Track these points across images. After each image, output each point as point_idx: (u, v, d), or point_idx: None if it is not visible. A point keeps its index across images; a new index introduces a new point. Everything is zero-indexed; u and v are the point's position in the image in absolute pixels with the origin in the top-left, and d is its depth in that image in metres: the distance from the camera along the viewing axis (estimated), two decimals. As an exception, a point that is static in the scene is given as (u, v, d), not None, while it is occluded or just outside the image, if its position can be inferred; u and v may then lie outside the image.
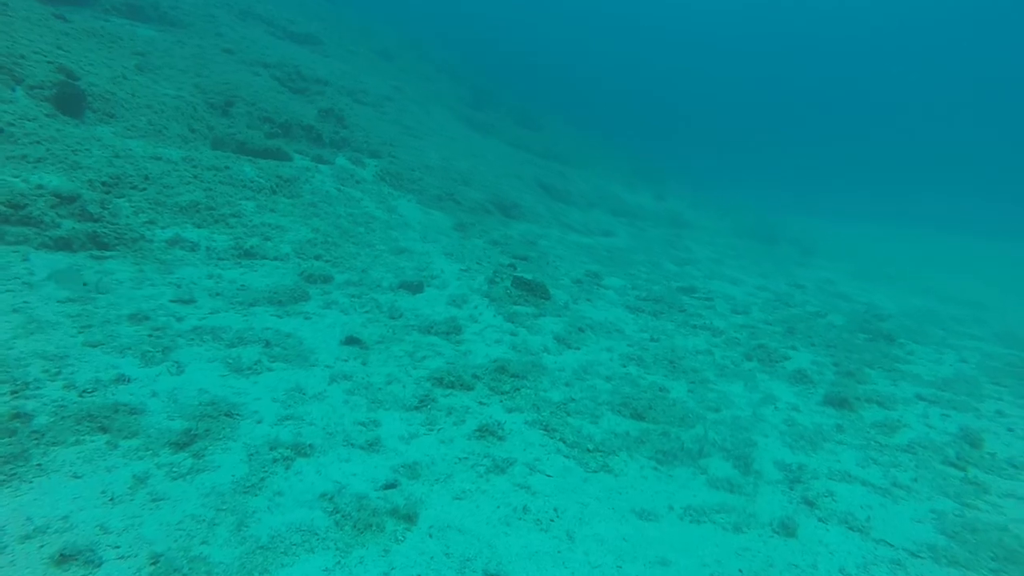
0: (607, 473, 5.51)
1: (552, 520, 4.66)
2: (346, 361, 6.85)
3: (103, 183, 9.30)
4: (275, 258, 9.62)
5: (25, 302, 6.82)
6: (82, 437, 4.70)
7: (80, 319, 6.67)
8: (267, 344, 6.78)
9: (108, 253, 8.37)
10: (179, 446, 4.77)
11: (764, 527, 4.98)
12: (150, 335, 6.62)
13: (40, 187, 8.50)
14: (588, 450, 5.79)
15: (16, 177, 8.51)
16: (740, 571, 4.38)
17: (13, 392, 5.13)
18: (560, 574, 4.05)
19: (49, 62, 11.45)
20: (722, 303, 12.63)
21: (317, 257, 10.06)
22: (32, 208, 8.20)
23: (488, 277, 11.02)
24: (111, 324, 6.70)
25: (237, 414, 5.35)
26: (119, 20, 16.57)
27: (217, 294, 8.04)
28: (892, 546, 4.99)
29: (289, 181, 12.12)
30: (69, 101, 10.91)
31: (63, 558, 3.52)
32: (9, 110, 9.78)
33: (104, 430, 4.82)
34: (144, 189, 9.70)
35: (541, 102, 41.91)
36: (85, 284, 7.34)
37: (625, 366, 8.19)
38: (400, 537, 4.18)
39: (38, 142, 9.52)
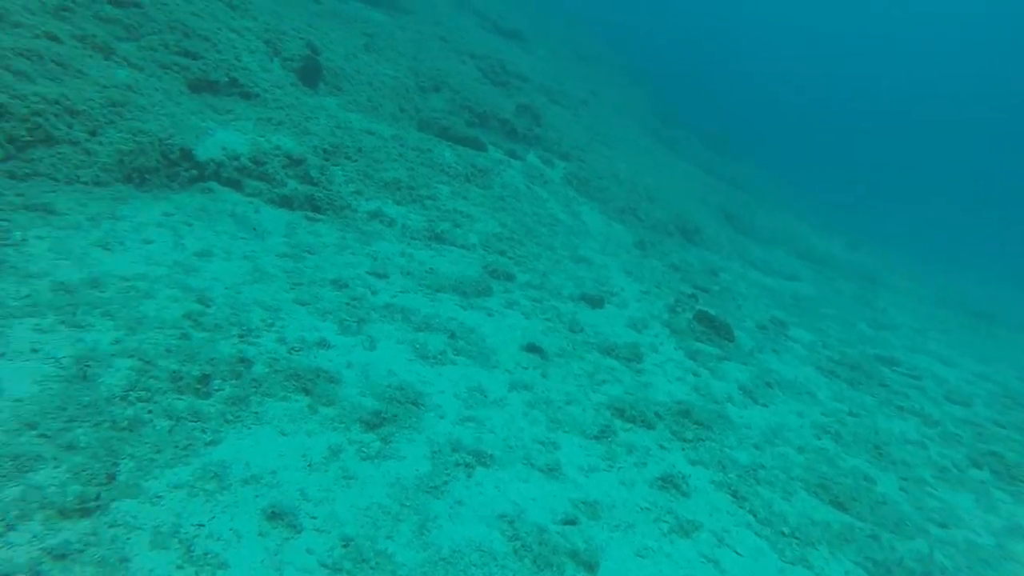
0: (806, 569, 4.73)
1: (745, 613, 4.03)
2: (526, 369, 6.63)
3: (324, 150, 9.97)
4: (463, 246, 9.74)
5: (252, 251, 7.40)
6: (289, 395, 4.87)
7: (292, 276, 7.10)
8: (452, 335, 6.75)
9: (319, 216, 8.92)
10: (369, 426, 4.78)
11: None
12: (348, 303, 6.86)
13: (277, 148, 9.27)
14: (783, 533, 5.03)
15: (261, 137, 9.35)
16: None
17: (240, 336, 5.49)
18: None
19: (300, 38, 12.60)
20: (933, 385, 10.87)
21: (501, 252, 10.05)
22: (268, 166, 8.95)
23: (668, 304, 10.37)
24: (316, 286, 7.05)
25: (422, 404, 5.30)
26: (356, 3, 18.01)
27: (408, 273, 8.23)
28: None
29: (483, 171, 12.31)
30: (309, 73, 11.90)
31: (273, 515, 3.57)
32: (267, 78, 10.84)
33: (307, 392, 4.96)
34: (356, 160, 10.28)
35: (732, 124, 39.80)
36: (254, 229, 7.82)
37: (819, 438, 7.19)
38: (579, 586, 3.81)
39: (281, 107, 10.44)
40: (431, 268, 8.62)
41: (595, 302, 9.33)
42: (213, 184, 8.51)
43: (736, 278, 14.78)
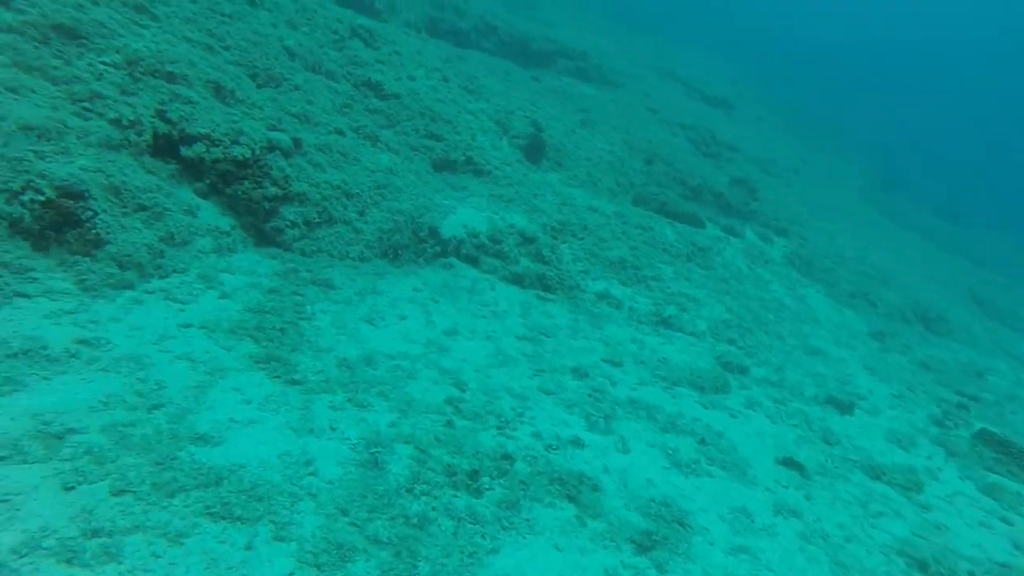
0: None
1: None
2: (786, 488, 5.86)
3: (552, 228, 10.16)
4: (691, 333, 9.21)
5: (494, 331, 7.58)
6: (555, 501, 4.68)
7: (533, 361, 7.10)
8: (702, 441, 6.21)
9: (550, 296, 8.99)
10: (641, 548, 4.40)
11: None
12: (590, 395, 6.66)
13: (512, 226, 9.61)
14: None
15: (496, 215, 9.79)
16: None
17: (498, 428, 5.49)
18: None
19: (525, 116, 13.30)
20: None
21: (731, 342, 9.34)
22: (504, 244, 9.29)
23: (932, 416, 8.82)
24: (557, 373, 6.97)
25: (688, 524, 4.81)
26: (569, 79, 18.82)
27: (641, 362, 7.89)
28: None
29: (703, 250, 11.76)
30: (534, 150, 12.42)
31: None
32: (497, 156, 11.49)
33: (571, 499, 4.73)
34: (582, 239, 10.32)
35: (962, 186, 34.85)
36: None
37: None
38: None
39: (511, 184, 10.93)
40: (664, 357, 8.19)
41: (843, 407, 8.20)
42: (453, 260, 8.99)
43: (1011, 384, 12.34)
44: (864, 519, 5.70)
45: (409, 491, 4.33)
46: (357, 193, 8.42)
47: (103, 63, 7.52)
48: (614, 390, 6.93)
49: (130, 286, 5.94)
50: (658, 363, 8.00)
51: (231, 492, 3.82)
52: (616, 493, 4.98)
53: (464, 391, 5.98)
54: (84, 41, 7.40)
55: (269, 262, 7.38)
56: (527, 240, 9.53)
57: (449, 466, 4.70)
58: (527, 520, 4.37)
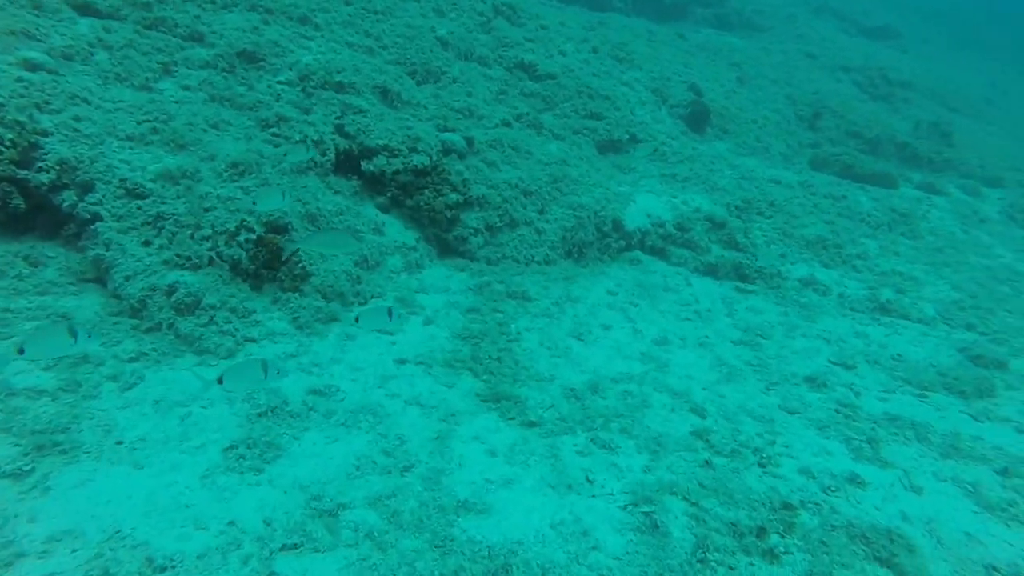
0: None
1: None
2: None
3: (736, 207, 9.11)
4: (918, 320, 7.93)
5: (706, 336, 6.82)
6: (866, 566, 3.93)
7: (759, 371, 6.27)
8: (1005, 472, 5.16)
9: (750, 287, 8.04)
10: (997, 636, 3.56)
11: None
12: (837, 411, 5.76)
13: (697, 210, 8.69)
14: None
15: (675, 198, 8.90)
16: None
17: (760, 464, 4.79)
18: None
19: (682, 81, 12.11)
20: None
21: (969, 327, 7.97)
22: (692, 232, 8.40)
23: None
24: (790, 384, 6.11)
25: (1037, 597, 3.89)
26: (708, 30, 17.14)
27: (875, 362, 6.82)
28: None
29: (904, 216, 10.20)
30: (696, 118, 11.28)
31: None
32: (660, 129, 10.51)
33: (887, 564, 3.96)
34: (771, 217, 9.20)
35: None
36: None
37: None
38: None
39: (681, 160, 9.94)
40: (897, 354, 7.06)
41: None
42: (639, 253, 8.25)
43: None
44: None
45: (702, 562, 3.74)
46: (535, 190, 7.86)
47: (279, 83, 7.37)
48: (860, 401, 5.97)
49: (336, 318, 5.76)
50: (893, 362, 6.90)
51: (524, 583, 3.41)
52: (935, 555, 4.14)
53: (705, 418, 5.31)
54: (262, 63, 7.26)
55: (459, 275, 7.03)
56: (716, 225, 8.59)
57: (732, 524, 4.07)
58: (851, 599, 3.66)
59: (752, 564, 3.81)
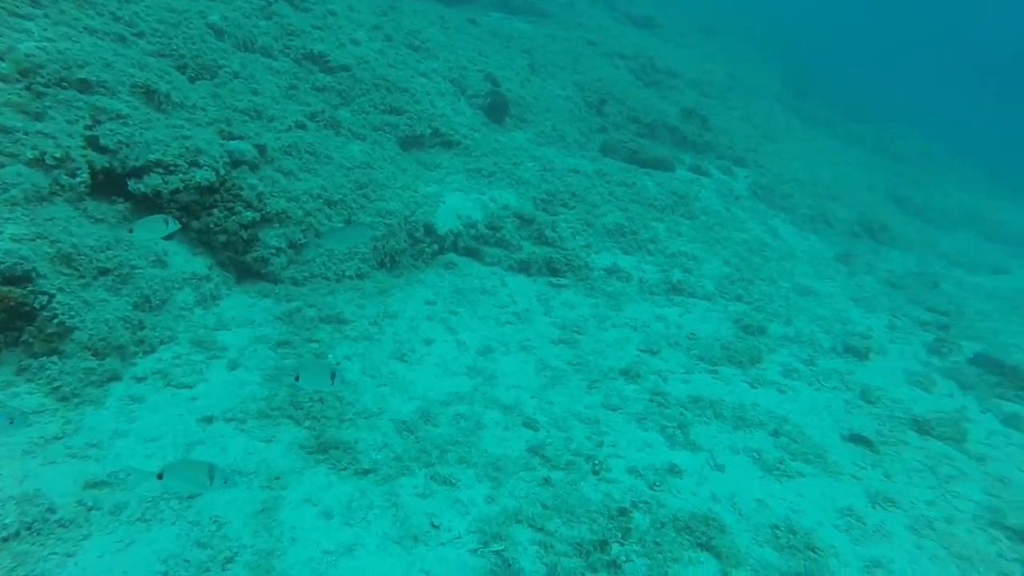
0: None
1: None
2: (865, 469, 5.85)
3: (542, 200, 9.45)
4: (703, 297, 8.99)
5: (528, 340, 6.98)
6: (692, 555, 4.34)
7: (581, 370, 6.61)
8: (775, 433, 6.06)
9: (561, 280, 8.42)
10: (794, 595, 4.19)
11: None
12: (651, 400, 6.31)
13: (505, 207, 8.82)
14: None
15: (483, 195, 8.94)
16: None
17: (593, 471, 5.03)
18: None
19: (479, 71, 12.12)
20: None
21: (738, 298, 9.23)
22: (503, 231, 8.52)
23: (927, 345, 9.22)
24: (608, 379, 6.53)
25: (817, 548, 4.65)
26: (496, 14, 17.34)
27: (675, 344, 7.59)
28: None
29: (682, 198, 11.44)
30: (496, 109, 11.40)
31: None
32: (462, 122, 10.42)
33: (706, 548, 4.42)
34: (573, 207, 9.69)
35: (865, 86, 36.42)
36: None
37: None
38: None
39: (484, 154, 9.99)
40: (691, 333, 7.94)
41: (860, 354, 8.36)
42: (452, 256, 8.18)
43: (956, 287, 13.19)
44: (943, 489, 5.82)
45: (557, 592, 3.84)
46: (340, 199, 7.33)
47: (-6, 81, 5.84)
48: (667, 386, 6.61)
49: (116, 377, 4.86)
50: (687, 341, 7.74)
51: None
52: (739, 527, 4.72)
53: (537, 430, 5.45)
54: (-36, 56, 5.68)
55: (263, 303, 6.34)
56: (525, 221, 8.81)
57: (577, 544, 4.23)
58: (683, 594, 4.02)
59: (599, 581, 4.00)
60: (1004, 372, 8.37)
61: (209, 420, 4.69)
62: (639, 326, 7.83)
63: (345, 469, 4.53)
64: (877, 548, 4.83)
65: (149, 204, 6.01)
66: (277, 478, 4.32)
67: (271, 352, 5.63)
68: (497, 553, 4.04)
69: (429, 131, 9.86)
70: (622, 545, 4.30)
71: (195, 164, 6.21)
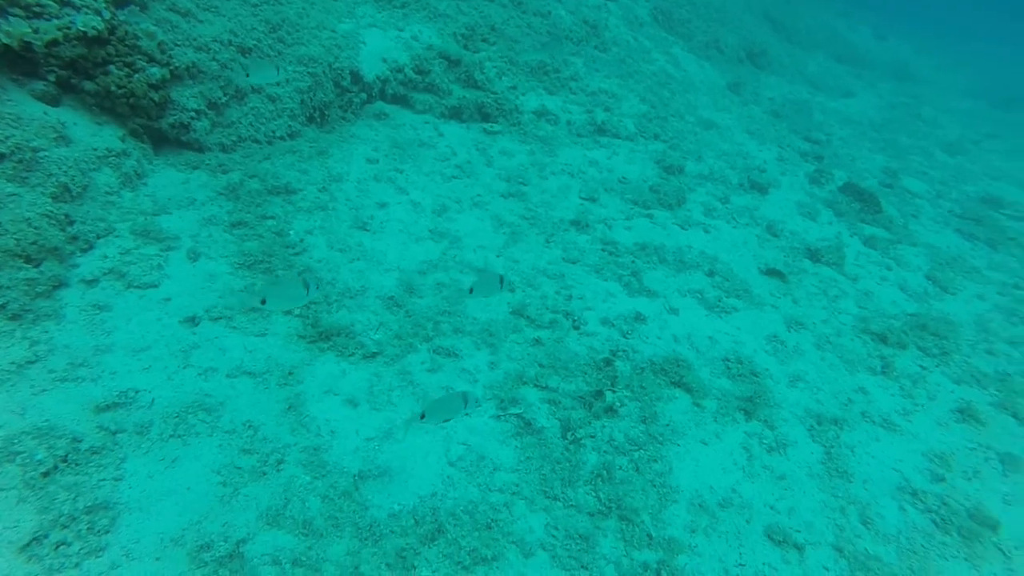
0: None
1: None
2: (780, 298, 6.89)
3: (463, 35, 8.76)
4: (626, 137, 9.23)
5: (478, 196, 6.94)
6: (671, 393, 5.10)
7: (536, 224, 6.80)
8: (711, 273, 6.84)
9: (495, 126, 8.19)
10: (747, 413, 5.14)
11: None
12: (603, 249, 6.74)
13: (430, 47, 8.09)
14: None
15: (402, 31, 8.09)
16: None
17: (574, 327, 5.49)
18: None
19: None
20: (1034, 223, 11.66)
21: (656, 136, 9.59)
22: (432, 75, 7.91)
23: (809, 175, 10.39)
24: (562, 231, 6.82)
25: (757, 372, 5.62)
26: None
27: (609, 189, 7.93)
28: None
29: (594, 28, 11.07)
30: (393, -86, 9.81)
31: (771, 535, 4.09)
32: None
33: (678, 385, 5.19)
34: (494, 43, 9.10)
35: None
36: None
37: (1017, 326, 7.95)
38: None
39: (393, -23, 8.81)
40: (622, 176, 8.28)
41: (762, 189, 9.29)
42: (381, 105, 7.61)
43: (820, 113, 14.50)
44: (832, 308, 7.06)
45: (575, 443, 4.42)
46: (254, 46, 6.34)
47: None
48: (614, 234, 7.06)
49: (63, 283, 4.33)
50: (621, 185, 8.11)
51: (462, 538, 3.62)
52: (699, 363, 5.52)
53: (514, 291, 5.73)
54: None
55: (196, 176, 5.69)
56: (452, 63, 8.21)
57: (579, 397, 4.78)
58: (668, 426, 4.78)
59: (605, 427, 4.63)
60: (863, 199, 9.77)
61: (194, 320, 4.41)
62: (575, 172, 8.01)
63: (353, 355, 4.59)
64: (796, 364, 5.92)
65: (20, 60, 4.84)
66: (290, 373, 4.30)
67: (228, 235, 5.19)
68: (517, 416, 4.48)
69: (324, -55, 8.39)
70: (614, 392, 4.91)
71: (68, 3, 4.99)
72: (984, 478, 5.29)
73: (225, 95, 5.98)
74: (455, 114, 8.03)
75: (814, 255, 7.95)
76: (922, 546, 4.49)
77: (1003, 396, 6.34)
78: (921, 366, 6.52)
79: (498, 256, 6.15)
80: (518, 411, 4.51)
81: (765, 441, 4.95)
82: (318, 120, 6.91)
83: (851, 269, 7.99)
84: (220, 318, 4.49)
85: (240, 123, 6.10)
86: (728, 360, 5.67)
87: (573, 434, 4.45)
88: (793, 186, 9.90)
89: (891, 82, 21.45)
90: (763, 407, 5.22)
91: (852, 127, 14.43)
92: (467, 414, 3.87)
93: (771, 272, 7.26)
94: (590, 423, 4.60)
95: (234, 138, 6.05)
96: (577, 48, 10.25)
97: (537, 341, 5.23)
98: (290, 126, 6.51)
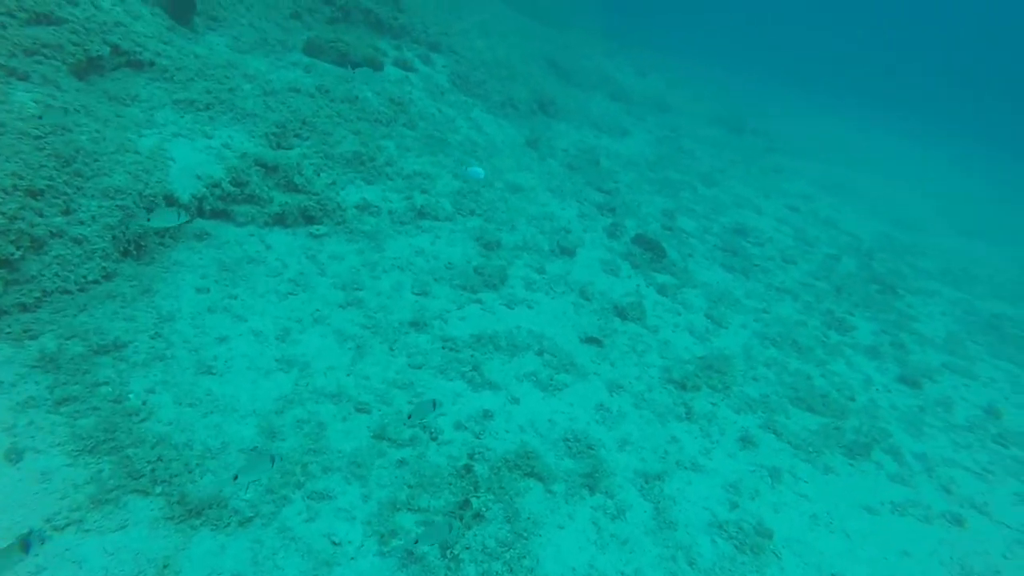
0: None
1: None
2: (600, 364, 8.02)
3: (274, 134, 8.77)
4: (445, 218, 9.88)
5: (318, 311, 7.10)
6: (526, 482, 5.81)
7: (377, 332, 7.16)
8: (540, 352, 7.72)
9: (319, 228, 8.35)
10: (591, 488, 6.04)
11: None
12: (444, 348, 7.30)
13: (244, 155, 8.02)
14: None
15: (210, 139, 7.92)
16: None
17: (432, 438, 5.97)
18: None
19: (140, -55, 9.51)
20: (771, 249, 14.54)
21: (472, 212, 10.38)
22: (251, 186, 7.86)
23: (606, 229, 11.94)
24: (402, 334, 7.26)
25: (591, 446, 6.57)
26: None
27: (438, 279, 8.51)
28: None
29: (400, 105, 11.59)
30: (179, 5, 9.44)
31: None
32: (144, 30, 8.49)
33: (533, 476, 5.93)
34: (307, 138, 9.23)
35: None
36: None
37: (767, 347, 10.01)
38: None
39: (189, 77, 8.56)
40: (447, 262, 8.91)
41: (570, 252, 10.53)
42: (201, 223, 7.41)
43: (607, 158, 16.50)
44: (642, 363, 8.36)
45: (455, 560, 4.91)
46: (45, 188, 5.89)
47: None
48: (450, 328, 7.65)
49: None
50: (448, 272, 8.74)
51: None
52: (544, 448, 6.30)
53: (371, 412, 6.05)
54: None
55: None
56: (270, 169, 8.23)
57: (450, 512, 5.28)
58: (529, 519, 5.47)
59: (476, 535, 5.17)
60: (652, 247, 11.54)
61: (36, 539, 4.11)
62: (404, 265, 8.47)
63: (228, 524, 4.61)
64: (621, 428, 7.02)
65: None
66: (165, 566, 4.23)
67: (56, 417, 4.84)
68: (400, 547, 4.86)
69: (108, 49, 7.86)
70: (478, 498, 5.50)
71: None
72: (761, 494, 6.79)
73: (19, 248, 5.48)
74: (279, 220, 8.05)
75: (621, 313, 9.29)
76: (729, 571, 5.71)
77: (766, 416, 8.08)
78: (712, 403, 8.04)
79: (348, 375, 6.41)
80: (400, 544, 4.89)
81: (608, 511, 5.88)
82: (134, 253, 6.54)
83: (652, 321, 9.47)
84: (69, 524, 4.24)
85: (43, 276, 5.63)
86: (567, 440, 6.55)
87: (451, 551, 4.95)
88: (595, 243, 11.34)
89: (655, 114, 24.91)
90: (602, 478, 6.17)
91: (633, 170, 16.67)
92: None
93: (589, 340, 8.39)
94: (463, 535, 5.13)
95: (37, 294, 5.56)
96: (388, 130, 10.69)
97: (402, 462, 5.63)
98: (104, 267, 6.11)
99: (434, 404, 5.21)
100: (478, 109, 14.45)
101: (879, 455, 8.08)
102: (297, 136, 9.07)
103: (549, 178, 13.43)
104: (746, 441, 7.49)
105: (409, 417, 5.13)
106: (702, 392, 8.16)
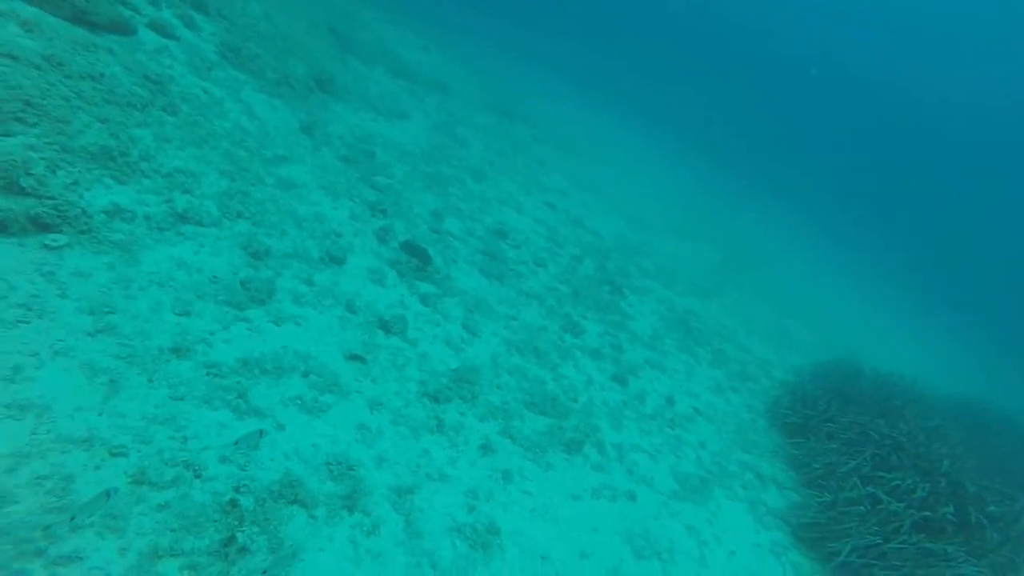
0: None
1: (547, 514, 8.54)
2: (362, 381, 8.79)
3: (-6, 120, 7.63)
4: (210, 223, 9.54)
5: (66, 345, 6.66)
6: (290, 510, 6.43)
7: (135, 363, 6.99)
8: (306, 373, 8.20)
9: (58, 238, 7.63)
10: (350, 508, 6.89)
11: (621, 492, 9.79)
12: (208, 375, 7.41)
13: (-44, 152, 6.90)
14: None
15: (-93, 130, 6.68)
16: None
17: (196, 476, 6.21)
18: (571, 553, 8.14)
19: None
20: (526, 252, 16.46)
21: (239, 215, 10.15)
22: (-33, 190, 6.84)
23: (376, 233, 12.51)
24: (163, 363, 7.19)
25: (352, 467, 7.39)
26: None
27: (201, 295, 8.39)
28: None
29: (159, 84, 10.61)
30: None
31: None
32: None
33: (296, 503, 6.56)
34: (35, 123, 8.15)
35: None
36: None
37: (512, 354, 11.70)
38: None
39: None
40: (212, 275, 8.76)
41: (338, 260, 10.93)
42: None
43: (383, 149, 16.80)
44: (401, 378, 9.29)
45: (213, 600, 5.39)
46: None
47: None
48: (215, 352, 7.72)
49: None
50: (213, 287, 8.63)
51: None
52: (307, 474, 6.91)
53: (128, 455, 6.06)
54: None
55: None
56: (-9, 169, 7.18)
57: (215, 551, 5.70)
58: (291, 547, 6.12)
59: (241, 570, 5.70)
60: (418, 254, 12.44)
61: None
62: (164, 281, 8.16)
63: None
64: (379, 446, 7.93)
65: None
66: None
67: None
68: (161, 598, 5.18)
69: None
70: (243, 531, 5.99)
71: None
72: (495, 496, 8.32)
73: None
74: (3, 229, 7.15)
75: (385, 326, 10.09)
76: (464, 568, 7.07)
77: (505, 423, 9.69)
78: (460, 413, 9.37)
79: (100, 415, 6.25)
80: (160, 594, 5.20)
81: (364, 528, 6.80)
82: None
83: (412, 333, 10.45)
84: None
85: None
86: (330, 463, 7.26)
87: (213, 594, 5.42)
88: (365, 249, 11.86)
89: (435, 94, 25.60)
90: (360, 497, 7.04)
91: (408, 162, 17.26)
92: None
93: (353, 357, 9.06)
94: (229, 572, 5.62)
95: None
96: (143, 116, 9.79)
97: (163, 506, 5.82)
98: None
99: (261, 433, 6.20)
100: (250, 87, 13.68)
101: (588, 449, 10.26)
102: (19, 120, 7.95)
103: (323, 173, 13.44)
104: (486, 448, 8.96)
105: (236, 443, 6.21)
106: (453, 403, 9.44)
